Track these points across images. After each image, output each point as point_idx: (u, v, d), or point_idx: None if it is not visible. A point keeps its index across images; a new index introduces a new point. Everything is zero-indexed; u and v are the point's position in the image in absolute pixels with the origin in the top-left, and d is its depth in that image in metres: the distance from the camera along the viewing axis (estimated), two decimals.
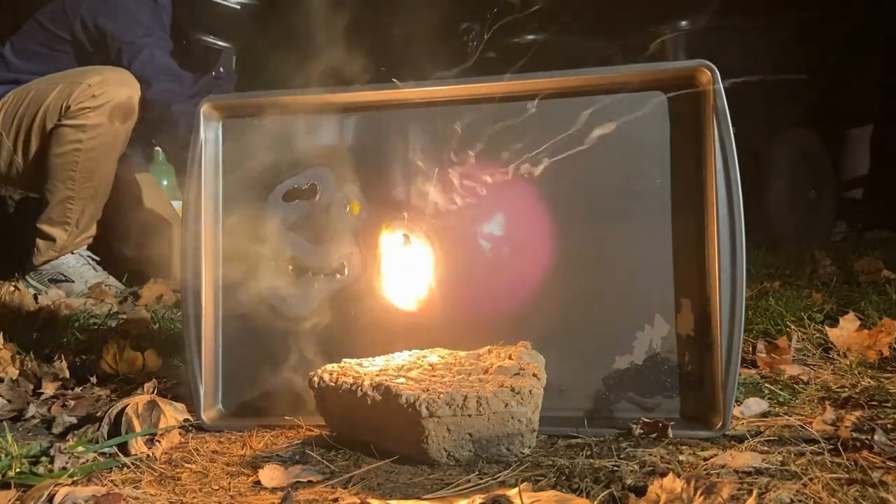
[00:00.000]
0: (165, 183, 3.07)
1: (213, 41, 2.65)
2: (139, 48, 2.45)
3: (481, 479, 0.91)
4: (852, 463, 0.89)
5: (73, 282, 2.48)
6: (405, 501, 0.84)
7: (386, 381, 0.99)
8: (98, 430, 1.09)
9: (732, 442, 1.01)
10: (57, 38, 2.55)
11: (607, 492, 0.84)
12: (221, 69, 2.86)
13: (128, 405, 1.12)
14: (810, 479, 0.83)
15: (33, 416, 1.25)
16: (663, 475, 0.83)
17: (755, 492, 0.80)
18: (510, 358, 1.04)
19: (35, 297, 2.30)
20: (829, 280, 2.22)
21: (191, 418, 1.17)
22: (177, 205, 2.87)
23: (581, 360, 1.14)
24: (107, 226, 2.63)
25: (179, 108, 2.40)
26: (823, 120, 3.66)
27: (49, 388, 1.36)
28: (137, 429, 1.09)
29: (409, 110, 1.21)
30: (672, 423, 1.04)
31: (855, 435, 0.95)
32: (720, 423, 1.04)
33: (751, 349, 1.42)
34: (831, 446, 0.95)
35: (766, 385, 1.26)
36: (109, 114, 2.36)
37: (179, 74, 2.57)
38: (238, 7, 2.61)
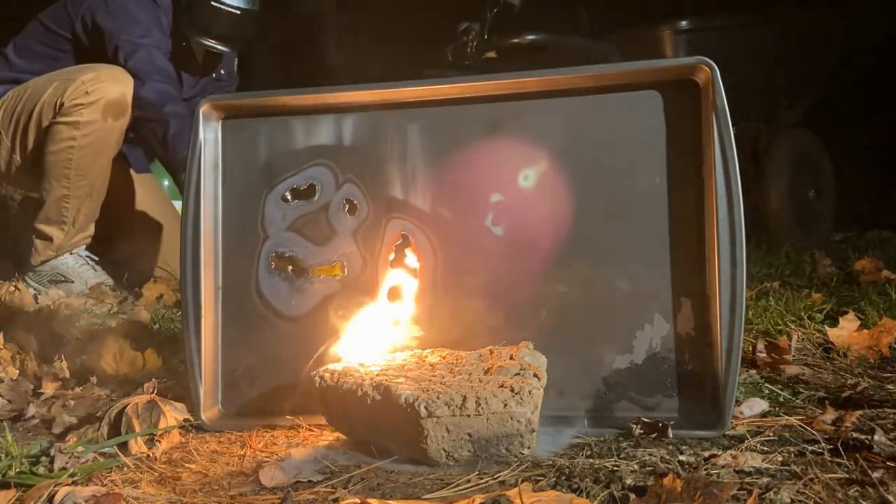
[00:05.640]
0: (166, 183, 3.07)
1: (213, 44, 2.65)
2: (136, 47, 2.45)
3: (481, 479, 0.91)
4: (852, 463, 0.89)
5: (72, 282, 2.48)
6: (405, 501, 0.84)
7: (386, 380, 0.99)
8: (98, 430, 1.10)
9: (732, 442, 1.01)
10: (58, 38, 2.55)
11: (607, 492, 0.84)
12: (223, 72, 2.86)
13: (128, 405, 1.12)
14: (810, 479, 0.83)
15: (33, 416, 1.25)
16: (663, 475, 0.83)
17: (755, 492, 0.80)
18: (511, 358, 1.04)
19: (35, 297, 2.30)
20: (829, 280, 2.21)
21: (191, 418, 1.17)
22: (177, 205, 2.87)
23: (581, 360, 1.14)
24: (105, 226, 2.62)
25: (171, 110, 2.39)
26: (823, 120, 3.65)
27: (49, 388, 1.36)
28: (137, 429, 1.09)
29: (407, 109, 1.21)
30: (672, 422, 1.05)
31: (855, 435, 0.95)
32: (720, 423, 1.04)
33: (751, 349, 1.42)
34: (831, 446, 0.95)
35: (766, 385, 1.26)
36: (103, 110, 2.35)
37: (175, 76, 2.57)
38: (238, 12, 2.61)
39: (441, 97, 1.20)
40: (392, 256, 1.22)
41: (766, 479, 0.85)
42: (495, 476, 0.91)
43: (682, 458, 0.96)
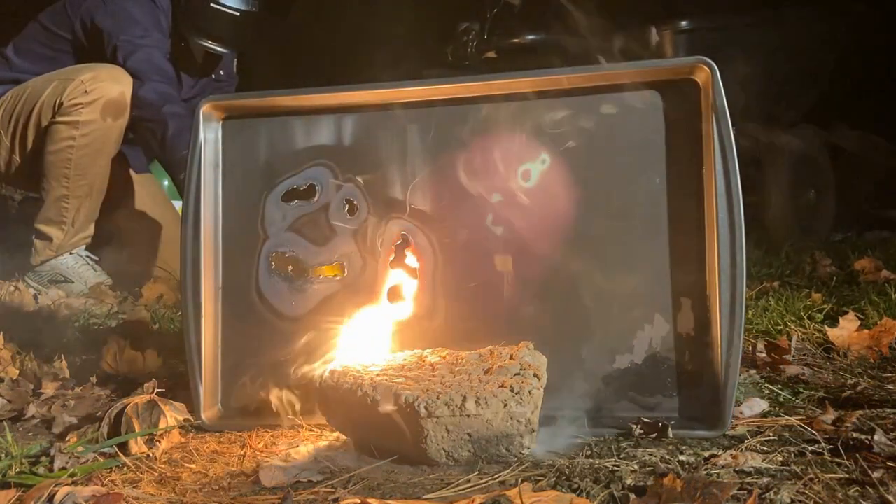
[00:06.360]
0: (166, 183, 3.07)
1: (213, 46, 2.65)
2: (135, 47, 2.46)
3: (481, 479, 0.91)
4: (852, 463, 0.89)
5: (72, 282, 2.48)
6: (405, 501, 0.84)
7: (386, 380, 0.99)
8: (98, 430, 1.09)
9: (732, 442, 1.01)
10: (58, 39, 2.56)
11: (607, 492, 0.84)
12: (222, 72, 2.86)
13: (128, 405, 1.12)
14: (810, 479, 0.83)
15: (33, 416, 1.25)
16: (663, 475, 0.83)
17: (755, 492, 0.80)
18: (511, 358, 1.04)
19: (35, 297, 2.30)
20: (829, 280, 2.21)
21: (191, 418, 1.17)
22: (177, 205, 2.87)
23: (581, 360, 1.14)
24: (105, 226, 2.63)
25: (170, 110, 2.39)
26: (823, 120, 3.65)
27: (49, 388, 1.36)
28: (137, 429, 1.09)
29: (407, 110, 1.21)
30: (672, 422, 1.04)
31: (855, 435, 0.95)
32: (720, 423, 1.04)
33: (751, 349, 1.42)
34: (831, 446, 0.95)
35: (766, 385, 1.26)
36: (101, 110, 2.36)
37: (174, 77, 2.57)
38: (238, 14, 2.61)
39: (441, 97, 1.20)
40: (392, 256, 1.22)
41: (766, 479, 0.85)
42: (495, 476, 0.91)
43: (682, 458, 0.96)
